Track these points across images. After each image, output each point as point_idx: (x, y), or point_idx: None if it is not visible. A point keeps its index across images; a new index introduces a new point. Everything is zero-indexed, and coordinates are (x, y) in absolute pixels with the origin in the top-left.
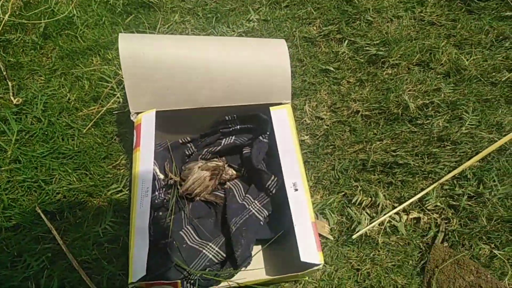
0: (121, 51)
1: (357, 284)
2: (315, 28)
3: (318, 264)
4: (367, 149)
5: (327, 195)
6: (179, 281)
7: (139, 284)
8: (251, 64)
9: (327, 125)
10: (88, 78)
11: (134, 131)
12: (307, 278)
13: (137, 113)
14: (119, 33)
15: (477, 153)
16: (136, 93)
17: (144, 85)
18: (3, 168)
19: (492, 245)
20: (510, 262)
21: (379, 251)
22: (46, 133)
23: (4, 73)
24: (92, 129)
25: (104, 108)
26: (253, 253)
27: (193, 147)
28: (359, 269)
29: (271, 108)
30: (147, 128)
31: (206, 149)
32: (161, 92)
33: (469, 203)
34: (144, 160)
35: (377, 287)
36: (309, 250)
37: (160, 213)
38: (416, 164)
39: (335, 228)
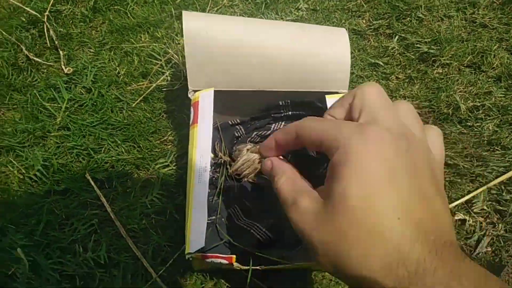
0: (185, 28)
1: None
2: (364, 21)
3: None
4: None
5: None
6: (234, 256)
7: (196, 255)
8: (311, 51)
9: None
10: (138, 54)
11: (191, 108)
12: None
13: (195, 91)
14: (183, 10)
15: None
16: (196, 71)
17: (204, 64)
18: (52, 134)
19: None
20: None
21: None
22: (95, 103)
23: (56, 42)
24: (142, 103)
25: (154, 85)
26: None
27: (242, 129)
28: None
29: (327, 96)
30: (205, 106)
31: (255, 132)
32: (219, 72)
33: None
34: (203, 136)
35: None
36: None
37: (209, 191)
38: (465, 166)
39: None
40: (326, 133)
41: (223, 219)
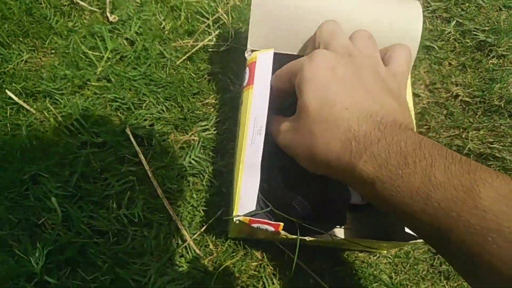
0: None
1: (432, 268)
2: (421, 1)
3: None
4: (463, 136)
5: None
6: (282, 224)
7: (243, 219)
8: (382, 22)
9: (424, 104)
10: (185, 10)
11: (247, 68)
12: (385, 251)
13: (252, 51)
14: None
15: None
16: (258, 31)
17: (267, 24)
18: (92, 84)
19: None
20: None
21: None
22: (139, 57)
23: None
24: (186, 62)
25: (200, 44)
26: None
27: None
28: (436, 253)
29: None
30: (263, 67)
31: None
32: (282, 34)
33: None
34: (259, 98)
35: (453, 273)
36: None
37: None
38: None
39: None
40: (290, 67)
41: (265, 190)
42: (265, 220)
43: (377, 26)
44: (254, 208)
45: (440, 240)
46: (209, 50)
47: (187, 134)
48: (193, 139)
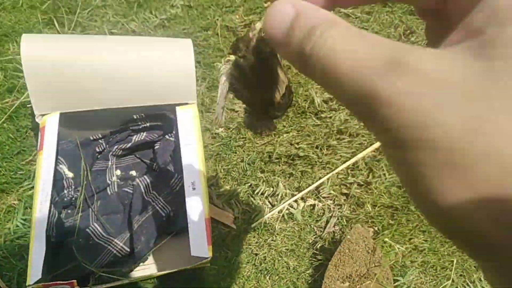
0: (23, 53)
1: (255, 267)
2: (237, 17)
3: (207, 258)
4: (275, 142)
5: (235, 186)
6: (75, 280)
7: (37, 286)
8: (157, 65)
9: (241, 118)
10: (3, 68)
11: (39, 133)
12: (208, 264)
13: (43, 115)
14: (23, 34)
15: (371, 145)
16: (40, 96)
17: (48, 88)
18: None
19: (376, 228)
20: (390, 241)
21: (275, 236)
22: None
23: None
24: (6, 123)
25: (18, 101)
26: (155, 247)
27: (104, 143)
28: (257, 253)
29: (177, 107)
30: (51, 131)
31: (116, 146)
32: (65, 94)
33: (358, 190)
34: (46, 165)
35: (271, 269)
36: (200, 245)
37: (69, 211)
38: (316, 156)
39: (239, 217)
40: None
41: (81, 240)
42: (58, 282)
43: (154, 71)
44: (40, 276)
45: None
46: (29, 106)
47: (13, 196)
48: (16, 202)
